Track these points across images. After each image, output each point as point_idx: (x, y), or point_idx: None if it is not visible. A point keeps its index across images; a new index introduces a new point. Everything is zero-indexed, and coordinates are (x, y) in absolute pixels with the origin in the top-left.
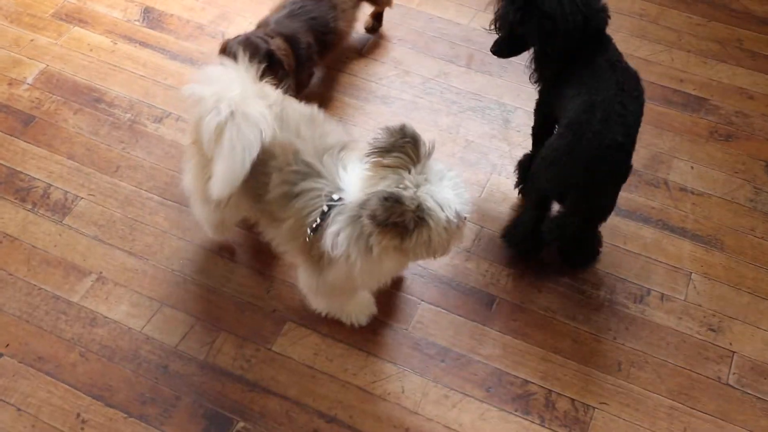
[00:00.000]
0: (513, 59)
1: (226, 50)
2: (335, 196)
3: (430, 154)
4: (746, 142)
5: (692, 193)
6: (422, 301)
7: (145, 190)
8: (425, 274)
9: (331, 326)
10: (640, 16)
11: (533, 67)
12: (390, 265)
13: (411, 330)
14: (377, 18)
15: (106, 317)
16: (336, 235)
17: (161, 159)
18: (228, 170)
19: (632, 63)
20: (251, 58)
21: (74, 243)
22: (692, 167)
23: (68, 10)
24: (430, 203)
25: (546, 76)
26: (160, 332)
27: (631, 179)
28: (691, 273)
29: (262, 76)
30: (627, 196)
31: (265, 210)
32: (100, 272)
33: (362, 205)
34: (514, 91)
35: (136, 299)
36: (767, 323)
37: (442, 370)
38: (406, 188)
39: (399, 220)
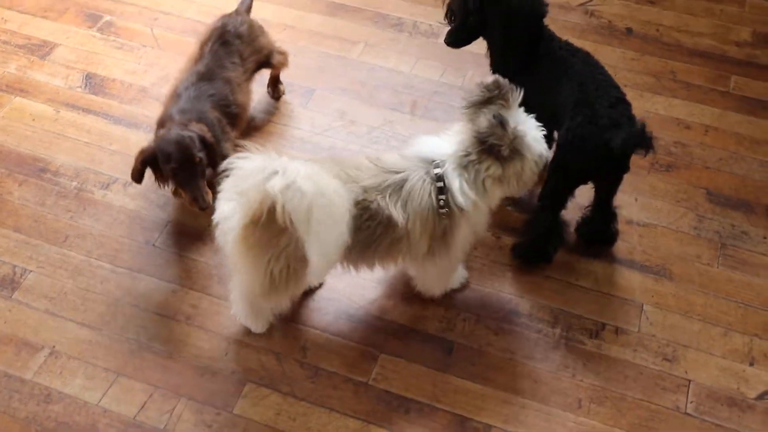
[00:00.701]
0: (455, 102)
1: (160, 156)
2: (436, 169)
3: (518, 101)
4: (686, 171)
5: (638, 224)
6: (381, 352)
7: (95, 259)
8: (382, 325)
9: (292, 384)
10: None
11: (496, 58)
12: (495, 201)
13: (372, 382)
14: (275, 82)
15: (61, 392)
16: (461, 188)
17: (110, 226)
18: (329, 247)
19: None
20: (187, 151)
21: (25, 318)
22: (636, 199)
23: (9, 81)
24: (527, 137)
25: (512, 67)
26: (118, 404)
27: (579, 214)
28: (643, 304)
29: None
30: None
31: (380, 245)
32: (53, 346)
33: (474, 132)
34: None
35: (91, 371)
36: (719, 349)
37: (407, 420)
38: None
39: (497, 143)
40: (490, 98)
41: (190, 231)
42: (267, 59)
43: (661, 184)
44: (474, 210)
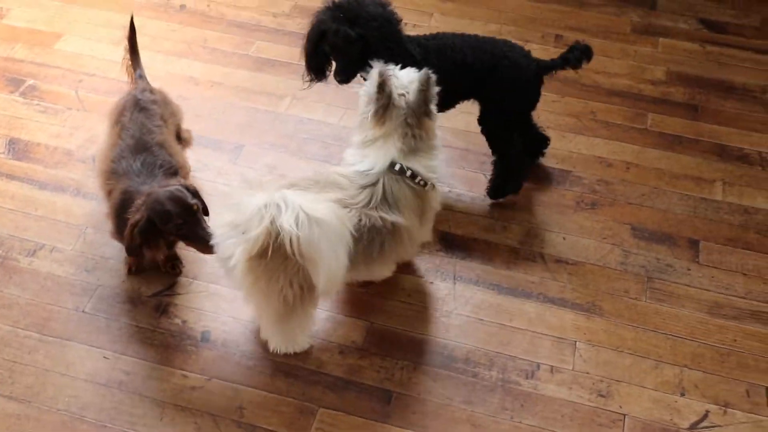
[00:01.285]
0: None
1: (158, 219)
2: (396, 166)
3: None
4: (610, 208)
5: (567, 263)
6: (320, 407)
7: (22, 329)
8: (319, 378)
9: None
10: None
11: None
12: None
13: None
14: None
15: None
16: (425, 167)
17: (37, 294)
18: (336, 271)
19: None
20: (184, 202)
21: None
22: (564, 238)
23: None
24: (399, 84)
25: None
26: None
27: (509, 256)
28: (576, 341)
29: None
30: (506, 273)
31: (381, 251)
32: None
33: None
34: None
35: None
36: (651, 381)
37: None
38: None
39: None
40: (381, 86)
41: (121, 295)
42: (179, 128)
43: (587, 222)
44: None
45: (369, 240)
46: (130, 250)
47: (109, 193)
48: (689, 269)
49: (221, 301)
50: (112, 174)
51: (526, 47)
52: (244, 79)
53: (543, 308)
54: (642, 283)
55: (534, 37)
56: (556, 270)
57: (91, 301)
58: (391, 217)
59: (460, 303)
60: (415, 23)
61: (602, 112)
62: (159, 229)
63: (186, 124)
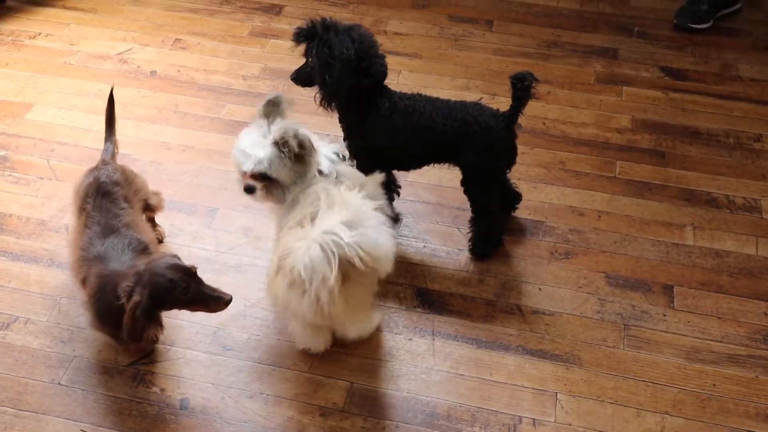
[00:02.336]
0: None
1: (162, 292)
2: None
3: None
4: (584, 257)
5: (544, 314)
6: None
7: None
8: None
9: None
10: None
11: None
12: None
13: None
14: (154, 224)
15: None
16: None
17: (12, 368)
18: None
19: None
20: (182, 267)
21: None
22: (540, 289)
23: None
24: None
25: (340, 108)
26: None
27: (486, 309)
28: (557, 393)
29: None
30: (485, 326)
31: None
32: None
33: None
34: None
35: None
36: (633, 430)
37: None
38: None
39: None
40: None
41: (97, 365)
42: (146, 201)
43: (562, 272)
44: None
45: None
46: (133, 335)
47: (83, 280)
48: (665, 315)
49: (199, 368)
50: (84, 261)
51: (495, 100)
52: (216, 142)
53: (522, 360)
54: (619, 331)
55: (501, 90)
56: (533, 321)
57: (67, 373)
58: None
59: (440, 359)
60: None
61: (571, 161)
62: (163, 303)
63: (159, 189)
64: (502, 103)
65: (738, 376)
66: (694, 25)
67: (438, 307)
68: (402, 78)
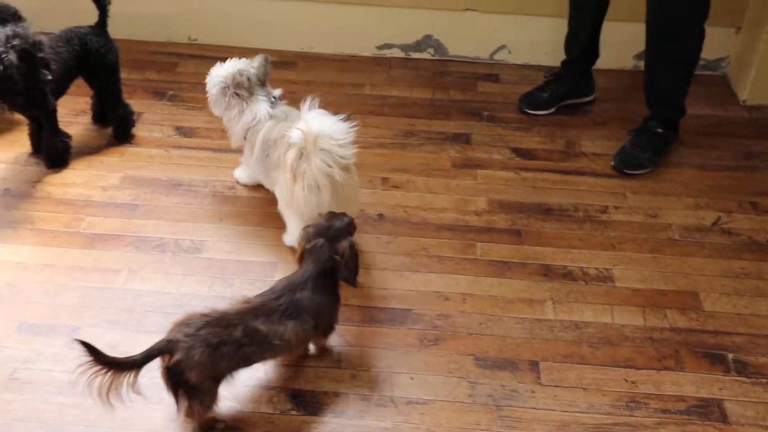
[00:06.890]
0: None
1: None
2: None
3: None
4: (453, 342)
5: (417, 403)
6: None
7: None
8: None
9: None
10: None
11: None
12: None
13: None
14: None
15: None
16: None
17: None
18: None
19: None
20: None
21: None
22: (412, 378)
23: None
24: None
25: None
26: None
27: (361, 405)
28: None
29: None
30: (360, 423)
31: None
32: None
33: None
34: None
35: None
36: None
37: None
38: None
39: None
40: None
41: None
42: None
43: (432, 358)
44: None
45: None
46: None
47: None
48: (533, 391)
49: None
50: None
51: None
52: (76, 257)
53: None
54: (491, 413)
55: (362, 182)
56: (408, 413)
57: None
58: None
59: None
60: None
61: (434, 247)
62: None
63: (16, 314)
64: (366, 195)
65: None
66: (531, 111)
67: (312, 408)
68: None
